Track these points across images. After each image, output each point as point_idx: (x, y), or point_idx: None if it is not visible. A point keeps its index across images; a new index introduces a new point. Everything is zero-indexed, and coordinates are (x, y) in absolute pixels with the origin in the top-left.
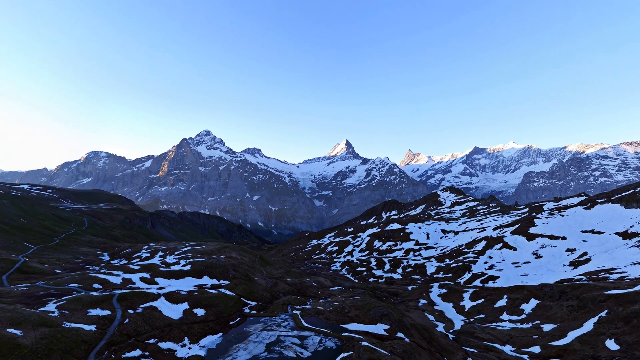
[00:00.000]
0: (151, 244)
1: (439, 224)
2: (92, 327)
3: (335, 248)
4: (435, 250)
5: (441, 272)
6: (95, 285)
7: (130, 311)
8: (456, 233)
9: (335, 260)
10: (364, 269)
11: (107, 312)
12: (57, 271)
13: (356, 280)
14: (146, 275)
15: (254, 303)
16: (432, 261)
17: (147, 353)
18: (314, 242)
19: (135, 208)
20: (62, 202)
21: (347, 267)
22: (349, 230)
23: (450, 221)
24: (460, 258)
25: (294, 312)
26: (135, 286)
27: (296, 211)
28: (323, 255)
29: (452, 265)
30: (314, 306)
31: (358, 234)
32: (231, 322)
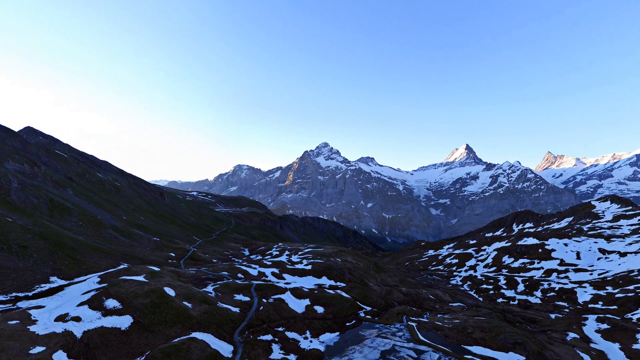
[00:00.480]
0: (280, 244)
1: (595, 242)
2: (237, 310)
3: (455, 261)
4: (590, 274)
5: (599, 302)
6: (239, 275)
7: (264, 300)
8: (623, 254)
9: (455, 274)
10: (490, 286)
11: (247, 299)
12: (214, 260)
13: (480, 299)
14: (276, 270)
15: (368, 308)
16: (585, 287)
17: (276, 339)
18: (431, 252)
19: (267, 212)
20: (217, 205)
21: (469, 282)
22: (471, 242)
23: (612, 239)
24: (631, 287)
25: (409, 323)
26: (267, 279)
27: (410, 219)
28: (441, 267)
29: (617, 295)
30: (431, 320)
31: (482, 247)
32: (347, 324)
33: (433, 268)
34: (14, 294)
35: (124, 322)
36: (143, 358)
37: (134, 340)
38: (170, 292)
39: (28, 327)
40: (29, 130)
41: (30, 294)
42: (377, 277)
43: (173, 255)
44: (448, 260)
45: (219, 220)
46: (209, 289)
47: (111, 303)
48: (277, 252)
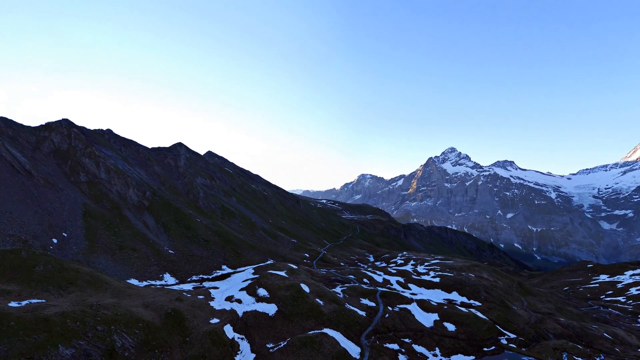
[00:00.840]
0: (404, 253)
1: None
2: (363, 313)
3: None
4: None
5: None
6: (365, 280)
7: (390, 308)
8: None
9: None
10: None
11: (373, 304)
12: (342, 264)
13: None
14: (401, 279)
15: (512, 335)
16: None
17: (403, 350)
18: (603, 277)
19: (391, 220)
20: (344, 212)
21: None
22: None
23: None
24: None
25: None
26: (392, 287)
27: (569, 234)
28: (621, 299)
29: None
30: None
31: None
32: (485, 349)
33: (607, 298)
34: (200, 276)
35: (270, 309)
36: (285, 343)
37: (278, 326)
38: (306, 288)
39: (209, 302)
40: (209, 153)
41: (210, 276)
42: (523, 300)
43: (307, 255)
44: (634, 291)
45: (345, 226)
46: (338, 290)
47: (262, 292)
48: (402, 261)
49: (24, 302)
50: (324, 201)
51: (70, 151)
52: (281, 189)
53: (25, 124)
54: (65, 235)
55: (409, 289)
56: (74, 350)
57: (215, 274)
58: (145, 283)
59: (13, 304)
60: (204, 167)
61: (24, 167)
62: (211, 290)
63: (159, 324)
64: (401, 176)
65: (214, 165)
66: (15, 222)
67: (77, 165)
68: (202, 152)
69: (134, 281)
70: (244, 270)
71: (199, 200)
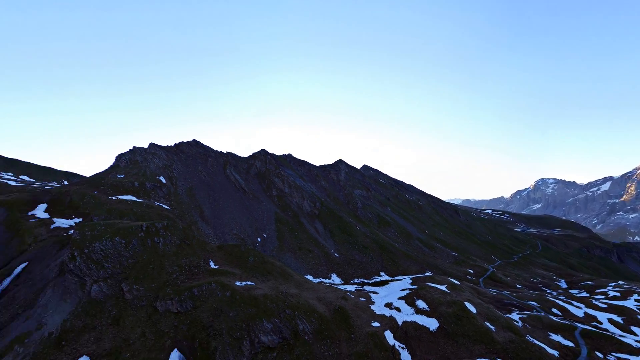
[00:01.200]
0: (620, 282)
1: None
2: (554, 352)
3: None
4: None
5: None
6: (554, 310)
7: (599, 354)
8: None
9: None
10: None
11: (569, 344)
12: (518, 286)
13: None
14: (616, 318)
15: None
16: None
17: None
18: None
19: (592, 237)
20: (517, 225)
21: None
22: None
23: None
24: None
25: None
26: (602, 327)
27: None
28: None
29: None
30: None
31: None
32: None
33: None
34: (361, 279)
35: (431, 323)
36: None
37: (441, 344)
38: (471, 308)
39: (370, 305)
40: (364, 167)
41: (369, 281)
42: None
43: (471, 272)
44: None
45: (519, 241)
46: (514, 316)
47: (421, 304)
48: (617, 293)
49: (243, 283)
50: (490, 211)
51: (266, 173)
52: (437, 198)
53: (241, 155)
54: (265, 236)
55: (634, 334)
56: (272, 326)
57: (374, 279)
58: (317, 280)
59: (237, 283)
60: (361, 179)
61: (241, 186)
62: (371, 295)
63: (329, 318)
64: (607, 179)
65: (369, 177)
66: (237, 224)
67: (271, 183)
68: (358, 166)
69: (309, 277)
70: (401, 279)
71: (357, 210)
